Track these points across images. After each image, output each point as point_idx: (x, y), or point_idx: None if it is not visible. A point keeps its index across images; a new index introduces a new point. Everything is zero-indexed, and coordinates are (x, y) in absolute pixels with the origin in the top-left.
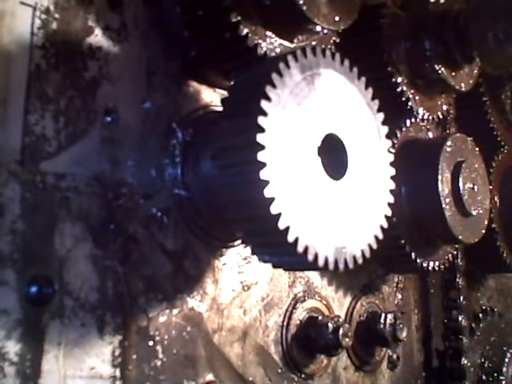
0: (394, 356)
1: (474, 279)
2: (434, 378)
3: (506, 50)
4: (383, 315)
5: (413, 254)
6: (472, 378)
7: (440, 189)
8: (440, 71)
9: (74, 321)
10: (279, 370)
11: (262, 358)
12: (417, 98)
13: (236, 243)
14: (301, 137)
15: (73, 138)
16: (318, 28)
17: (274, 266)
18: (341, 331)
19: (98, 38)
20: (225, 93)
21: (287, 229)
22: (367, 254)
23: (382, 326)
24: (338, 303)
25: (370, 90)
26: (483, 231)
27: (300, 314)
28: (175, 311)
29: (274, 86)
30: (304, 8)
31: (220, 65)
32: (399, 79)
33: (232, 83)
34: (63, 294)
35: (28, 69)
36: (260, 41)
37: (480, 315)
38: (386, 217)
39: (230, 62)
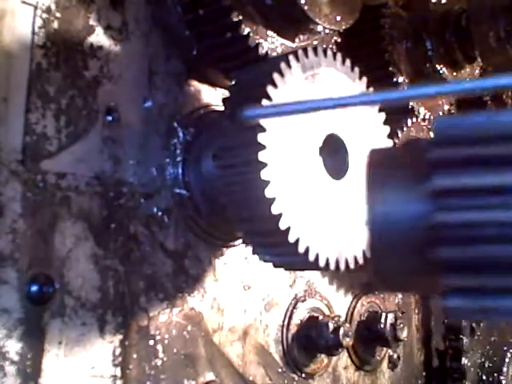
0: (395, 356)
1: None
2: (435, 377)
3: (508, 50)
4: (384, 315)
5: None
6: (472, 378)
7: None
8: (441, 71)
9: (75, 320)
10: (279, 370)
11: (262, 357)
12: None
13: (237, 243)
14: (302, 137)
15: (74, 137)
16: (320, 28)
17: (275, 266)
18: (341, 331)
19: (99, 37)
20: (226, 92)
21: (288, 229)
22: (368, 254)
23: (382, 325)
24: (339, 303)
25: (372, 90)
26: None
27: (300, 314)
28: (176, 310)
29: (275, 85)
30: (305, 8)
31: (221, 64)
32: (400, 79)
33: (233, 83)
34: (64, 293)
35: (29, 68)
36: (261, 40)
37: None
38: None
39: (231, 61)
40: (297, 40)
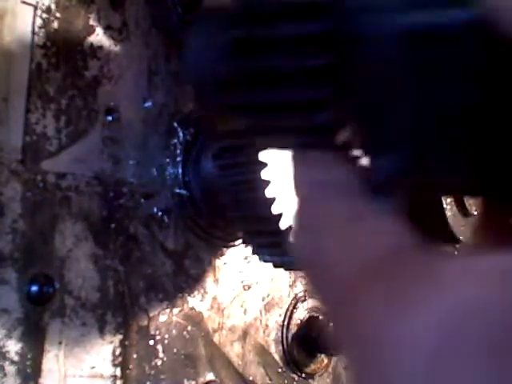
0: None
1: None
2: None
3: None
4: None
5: None
6: None
7: None
8: None
9: (75, 320)
10: (279, 370)
11: (262, 357)
12: None
13: (237, 243)
14: None
15: (74, 137)
16: None
17: (275, 266)
18: None
19: (99, 37)
20: None
21: (288, 229)
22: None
23: None
24: None
25: None
26: None
27: (300, 314)
28: (176, 310)
29: None
30: None
31: None
32: None
33: None
34: (64, 293)
35: (29, 68)
36: None
37: None
38: None
39: None
40: None
